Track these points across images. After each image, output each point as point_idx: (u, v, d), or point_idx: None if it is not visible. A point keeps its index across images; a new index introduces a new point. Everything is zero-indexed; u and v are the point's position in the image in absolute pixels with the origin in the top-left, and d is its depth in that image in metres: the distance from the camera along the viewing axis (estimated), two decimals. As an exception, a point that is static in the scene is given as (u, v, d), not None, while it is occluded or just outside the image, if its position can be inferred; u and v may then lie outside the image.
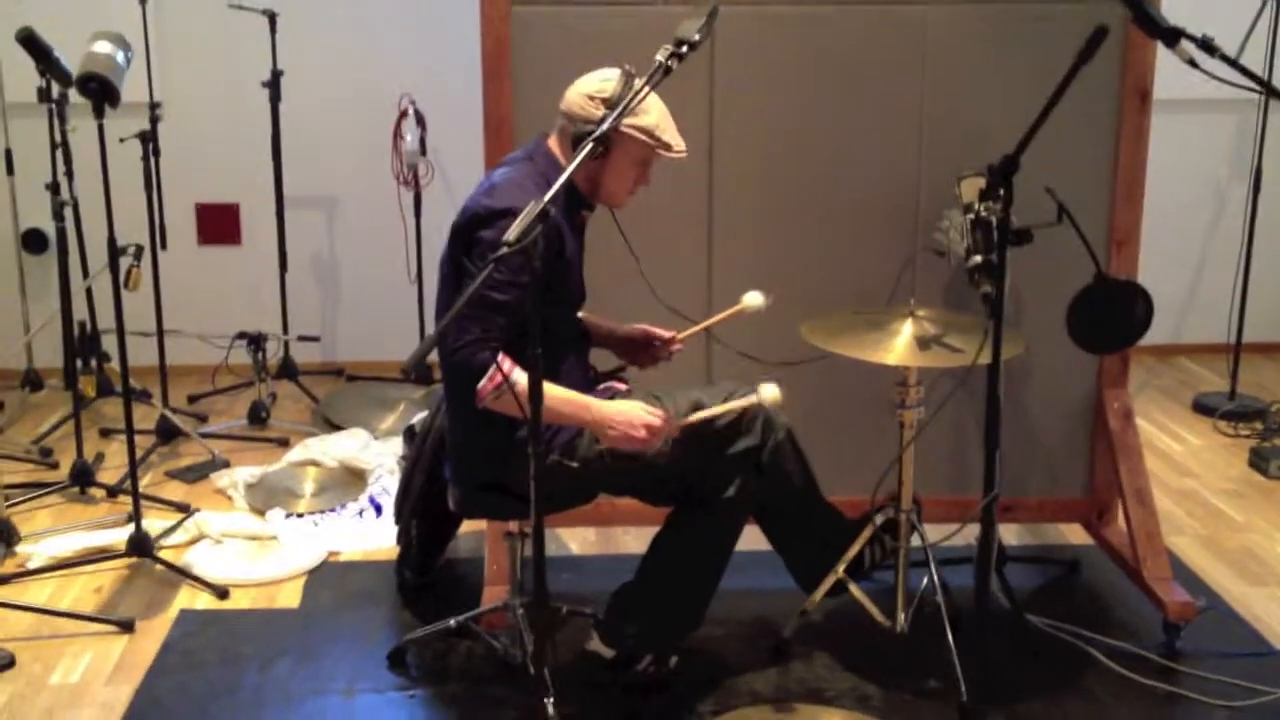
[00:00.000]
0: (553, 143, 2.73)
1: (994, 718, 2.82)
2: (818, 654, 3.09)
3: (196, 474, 4.05)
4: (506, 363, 2.52)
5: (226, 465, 4.11)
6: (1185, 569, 3.52)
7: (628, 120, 2.59)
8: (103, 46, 3.22)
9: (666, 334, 2.97)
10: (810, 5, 3.22)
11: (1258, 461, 4.25)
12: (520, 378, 2.50)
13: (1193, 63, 2.40)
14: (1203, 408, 4.77)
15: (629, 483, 2.87)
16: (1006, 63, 3.19)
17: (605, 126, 2.35)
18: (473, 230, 2.61)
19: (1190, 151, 5.20)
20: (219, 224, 4.95)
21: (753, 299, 2.91)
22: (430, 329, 4.63)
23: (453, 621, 3.03)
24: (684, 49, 2.42)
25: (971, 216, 2.40)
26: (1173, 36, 2.43)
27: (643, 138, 2.64)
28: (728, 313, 2.94)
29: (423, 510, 3.25)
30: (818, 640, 3.12)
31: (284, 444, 4.31)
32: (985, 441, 2.30)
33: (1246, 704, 2.88)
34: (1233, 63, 2.41)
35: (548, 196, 2.17)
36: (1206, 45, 2.41)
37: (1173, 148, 5.01)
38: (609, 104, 2.59)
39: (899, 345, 2.83)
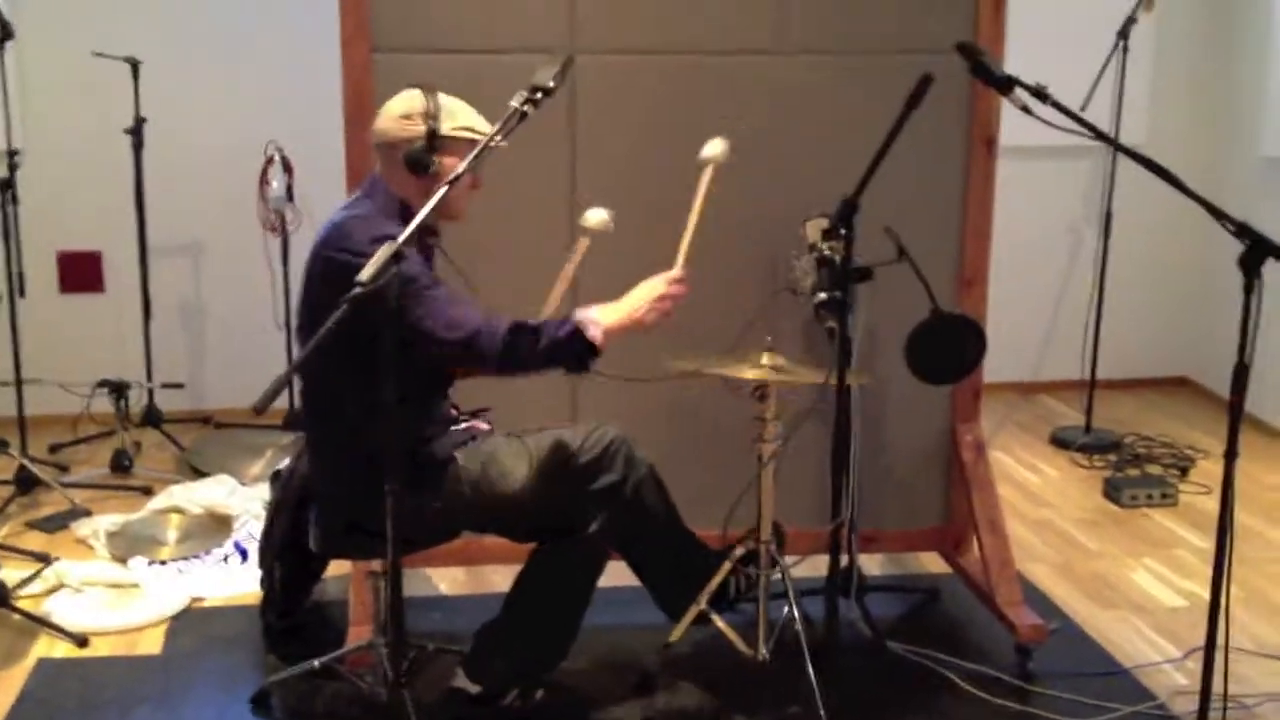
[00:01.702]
0: (385, 176, 2.75)
1: (854, 741, 2.89)
2: (682, 684, 3.12)
3: (57, 524, 3.96)
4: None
5: (88, 514, 4.03)
6: (1040, 594, 3.64)
7: (446, 127, 2.66)
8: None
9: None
10: (666, 55, 3.30)
11: (1111, 492, 4.41)
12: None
13: (1027, 109, 2.53)
14: (1059, 441, 4.94)
15: (490, 521, 2.89)
16: (856, 110, 3.29)
17: (488, 140, 2.45)
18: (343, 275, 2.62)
19: (1046, 195, 5.41)
20: (81, 272, 4.88)
21: (597, 215, 2.90)
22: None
23: (317, 663, 3.01)
24: (539, 95, 2.49)
25: (816, 256, 2.48)
26: (1007, 84, 2.56)
27: (466, 134, 2.68)
28: (577, 255, 2.92)
29: (286, 553, 3.22)
30: (682, 672, 3.16)
31: (148, 492, 4.23)
32: (832, 468, 2.38)
33: (1095, 721, 3.00)
34: (1064, 109, 2.55)
35: (403, 237, 2.21)
36: (1039, 93, 2.54)
37: (1030, 192, 5.22)
38: (426, 116, 2.66)
39: (756, 368, 2.91)
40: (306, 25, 4.79)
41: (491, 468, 2.80)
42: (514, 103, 2.48)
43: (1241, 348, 2.39)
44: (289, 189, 4.56)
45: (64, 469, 4.43)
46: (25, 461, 4.18)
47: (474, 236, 2.98)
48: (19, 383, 4.20)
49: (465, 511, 2.80)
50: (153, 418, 4.71)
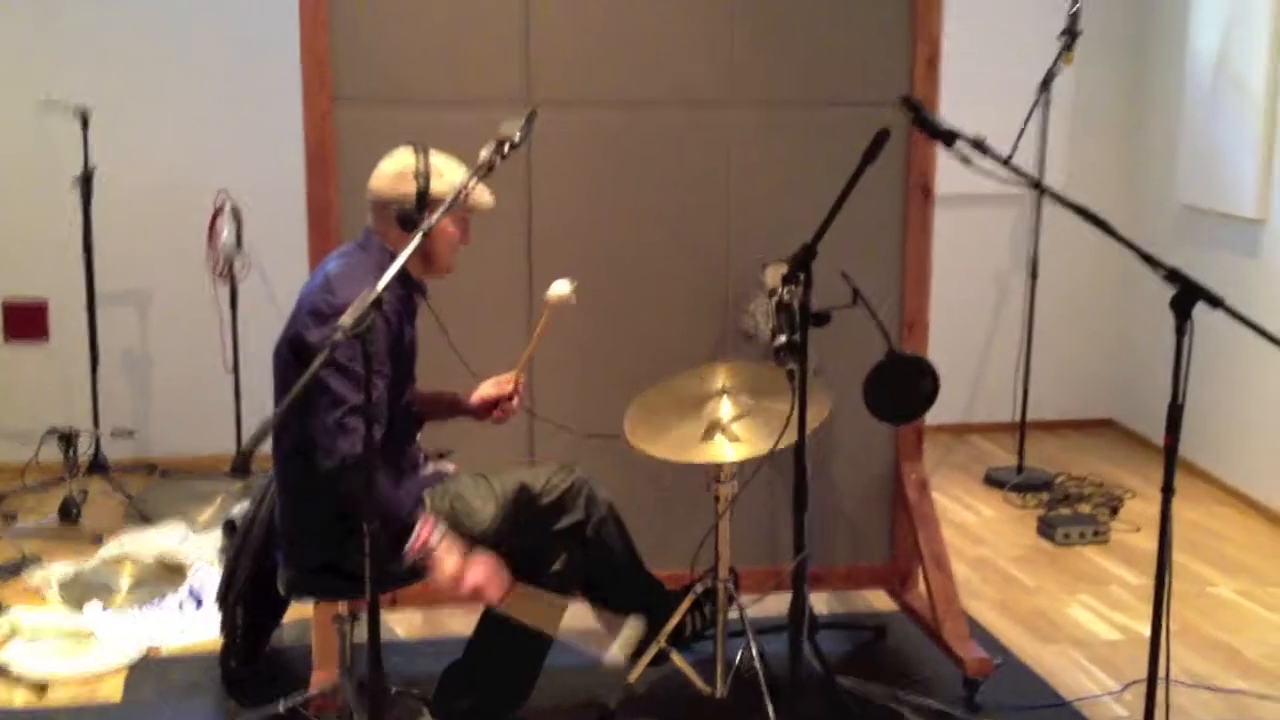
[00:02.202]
0: (379, 231, 2.83)
1: (810, 775, 2.97)
2: (643, 722, 3.20)
3: (8, 572, 3.95)
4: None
5: (39, 562, 4.01)
6: (982, 630, 3.76)
7: (436, 187, 2.72)
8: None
9: (508, 386, 3.06)
10: (624, 109, 3.42)
11: (1045, 529, 4.56)
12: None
13: (966, 160, 2.66)
14: (993, 481, 5.09)
15: (458, 560, 2.95)
16: (804, 161, 3.43)
17: (459, 190, 2.55)
18: (318, 325, 2.68)
19: (975, 243, 5.58)
20: (26, 321, 4.87)
21: (558, 289, 2.99)
22: (253, 417, 4.66)
23: (281, 707, 3.04)
24: (506, 147, 2.59)
25: (776, 300, 2.60)
26: (949, 138, 2.69)
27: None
28: (542, 321, 3.00)
29: (248, 598, 3.26)
30: (642, 709, 3.23)
31: (97, 540, 4.23)
32: (794, 506, 2.47)
33: (1039, 751, 3.11)
34: (1003, 161, 2.69)
35: (381, 284, 2.27)
36: (979, 145, 2.67)
37: (960, 240, 5.37)
38: (418, 176, 2.73)
39: (713, 443, 3.00)
40: (257, 76, 4.87)
41: (459, 506, 2.86)
42: (483, 154, 2.58)
43: (1175, 388, 2.52)
44: (238, 236, 4.60)
45: (11, 517, 4.41)
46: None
47: (436, 283, 3.06)
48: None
49: (432, 553, 2.85)
50: (100, 466, 4.70)
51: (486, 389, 3.05)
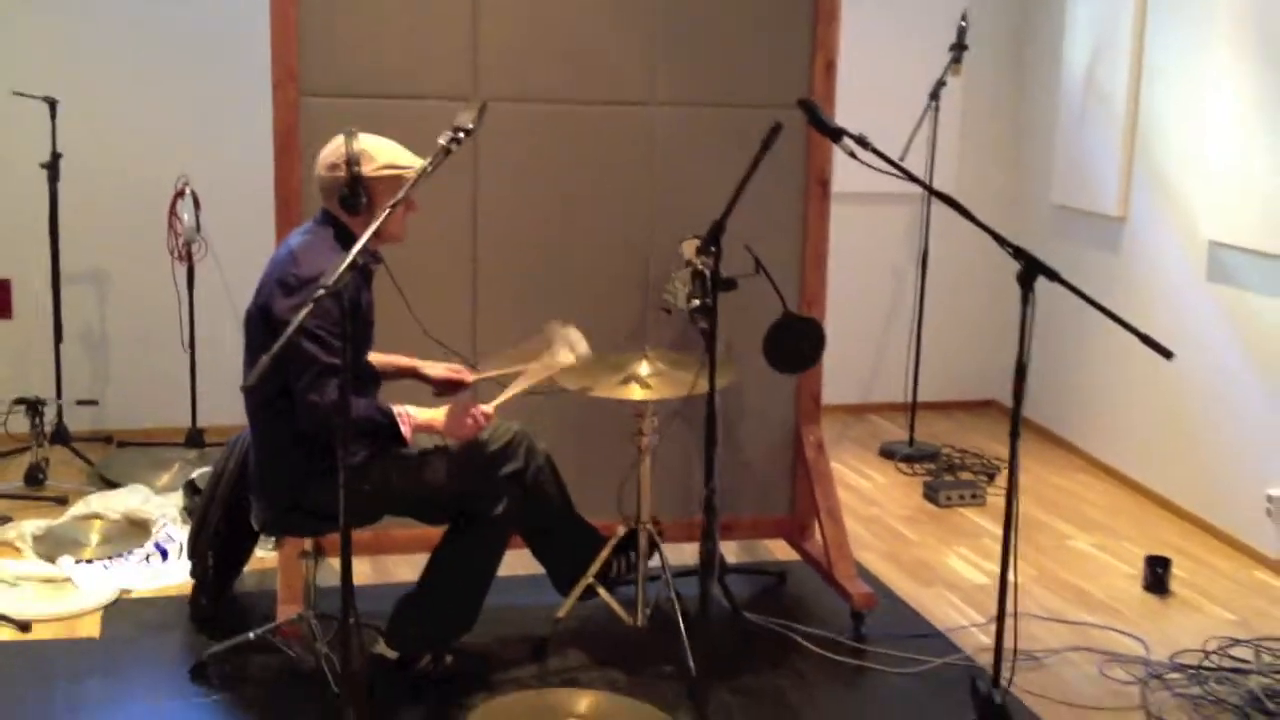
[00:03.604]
0: (331, 209, 3.22)
1: (717, 691, 3.40)
2: (572, 650, 3.62)
3: (-19, 529, 4.27)
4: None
5: (9, 520, 4.33)
6: (870, 575, 4.24)
7: (368, 169, 3.11)
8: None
9: (467, 378, 3.48)
10: (558, 104, 3.85)
11: (930, 493, 5.07)
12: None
13: (853, 154, 3.13)
14: (886, 453, 5.60)
15: (411, 505, 3.35)
16: (717, 154, 3.85)
17: (420, 173, 2.92)
18: (285, 295, 3.07)
19: (874, 238, 6.07)
20: (-11, 298, 5.18)
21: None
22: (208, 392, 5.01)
23: (252, 634, 3.43)
24: (461, 135, 2.99)
25: (691, 269, 3.05)
26: (837, 134, 3.16)
27: (389, 173, 3.14)
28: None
29: (218, 541, 3.63)
30: (572, 640, 3.66)
31: (63, 502, 4.54)
32: (705, 445, 2.93)
33: (914, 670, 3.59)
34: (882, 155, 3.14)
35: (358, 245, 2.67)
36: (862, 141, 3.14)
37: (859, 234, 5.87)
38: (348, 163, 3.11)
39: (636, 385, 3.45)
40: (216, 70, 5.23)
41: (411, 452, 3.27)
42: (441, 141, 2.97)
43: (1020, 349, 2.99)
44: (196, 220, 4.94)
45: (-23, 484, 4.73)
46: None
47: (394, 250, 3.44)
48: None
49: (388, 493, 3.24)
50: (62, 436, 5.01)
51: (444, 372, 3.47)
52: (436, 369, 3.48)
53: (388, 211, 2.85)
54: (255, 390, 3.14)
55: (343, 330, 2.73)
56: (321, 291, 2.59)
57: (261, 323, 3.13)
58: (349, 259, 2.64)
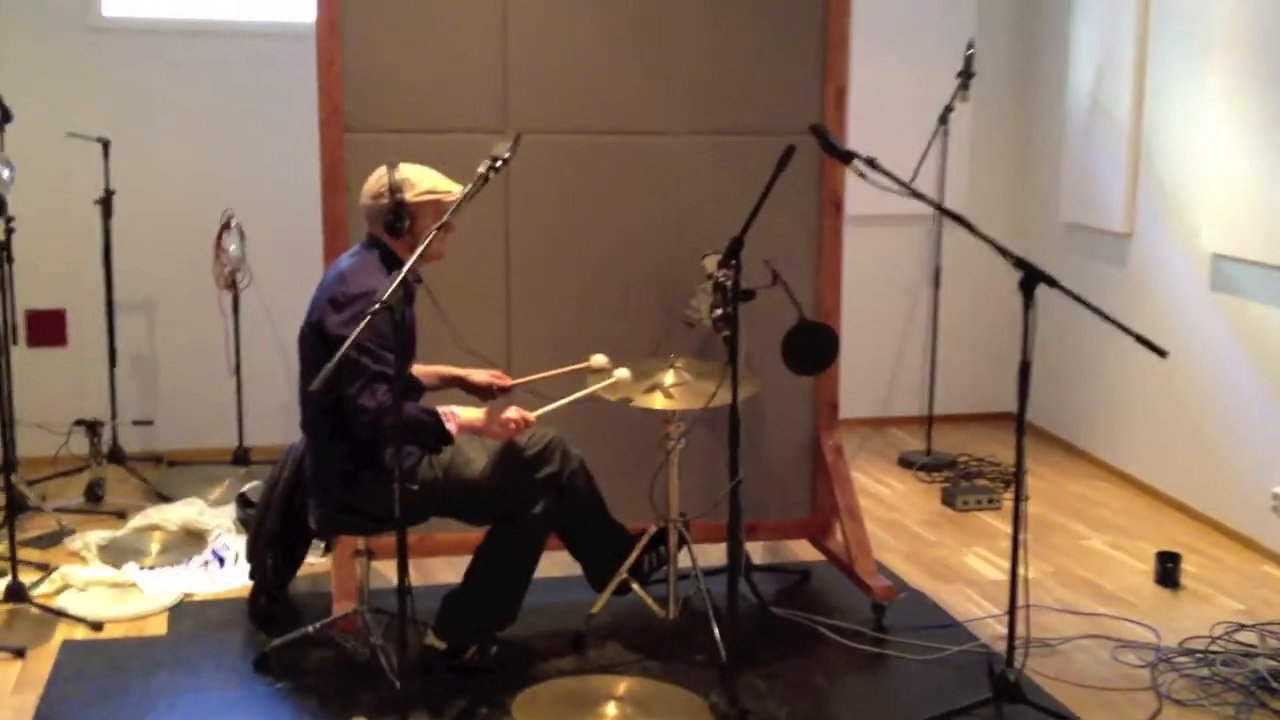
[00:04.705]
0: (376, 234, 3.47)
1: (747, 676, 3.62)
2: (608, 642, 3.84)
3: (50, 540, 4.52)
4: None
5: (73, 532, 4.58)
6: (890, 572, 4.45)
7: (409, 195, 3.37)
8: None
9: (505, 382, 3.73)
10: (582, 134, 4.11)
11: (947, 499, 5.28)
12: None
13: (863, 175, 3.37)
14: (905, 462, 5.81)
15: (455, 505, 3.58)
16: (733, 180, 4.09)
17: (461, 199, 3.20)
18: (336, 311, 3.32)
19: (888, 258, 6.28)
20: (46, 327, 5.45)
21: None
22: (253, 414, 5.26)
23: (311, 628, 3.66)
24: (498, 163, 3.25)
25: (713, 282, 3.29)
26: (847, 156, 3.39)
27: (429, 197, 3.40)
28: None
29: (276, 544, 3.87)
30: (608, 633, 3.88)
31: (121, 516, 4.80)
32: (730, 447, 3.15)
33: (934, 658, 3.80)
34: (891, 176, 3.36)
35: (408, 265, 2.94)
36: (871, 163, 3.37)
37: (874, 255, 6.10)
38: (392, 191, 3.36)
39: (661, 394, 3.68)
40: (257, 110, 5.53)
41: (457, 457, 3.51)
42: (480, 169, 3.23)
43: (1024, 348, 3.23)
44: (241, 250, 5.21)
45: (42, 499, 4.97)
46: (22, 487, 4.69)
47: (432, 271, 3.69)
48: (10, 423, 4.70)
49: (435, 494, 3.47)
50: (117, 456, 5.28)
51: (487, 377, 3.71)
52: (479, 375, 3.72)
53: (432, 233, 3.12)
54: (316, 397, 3.37)
55: (393, 342, 2.99)
56: (377, 306, 2.86)
57: (315, 339, 3.38)
58: (401, 275, 2.91)
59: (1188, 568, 4.51)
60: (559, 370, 3.66)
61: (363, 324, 2.85)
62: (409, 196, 3.39)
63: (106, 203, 5.16)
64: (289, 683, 3.57)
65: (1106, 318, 3.27)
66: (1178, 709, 3.53)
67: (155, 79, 5.49)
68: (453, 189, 3.44)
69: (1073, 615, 4.16)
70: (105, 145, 5.15)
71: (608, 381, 3.62)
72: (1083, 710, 3.49)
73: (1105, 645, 3.93)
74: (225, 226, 5.21)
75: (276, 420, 5.54)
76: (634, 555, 3.81)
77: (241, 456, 5.38)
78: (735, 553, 3.30)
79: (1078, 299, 3.19)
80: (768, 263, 3.48)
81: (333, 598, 3.87)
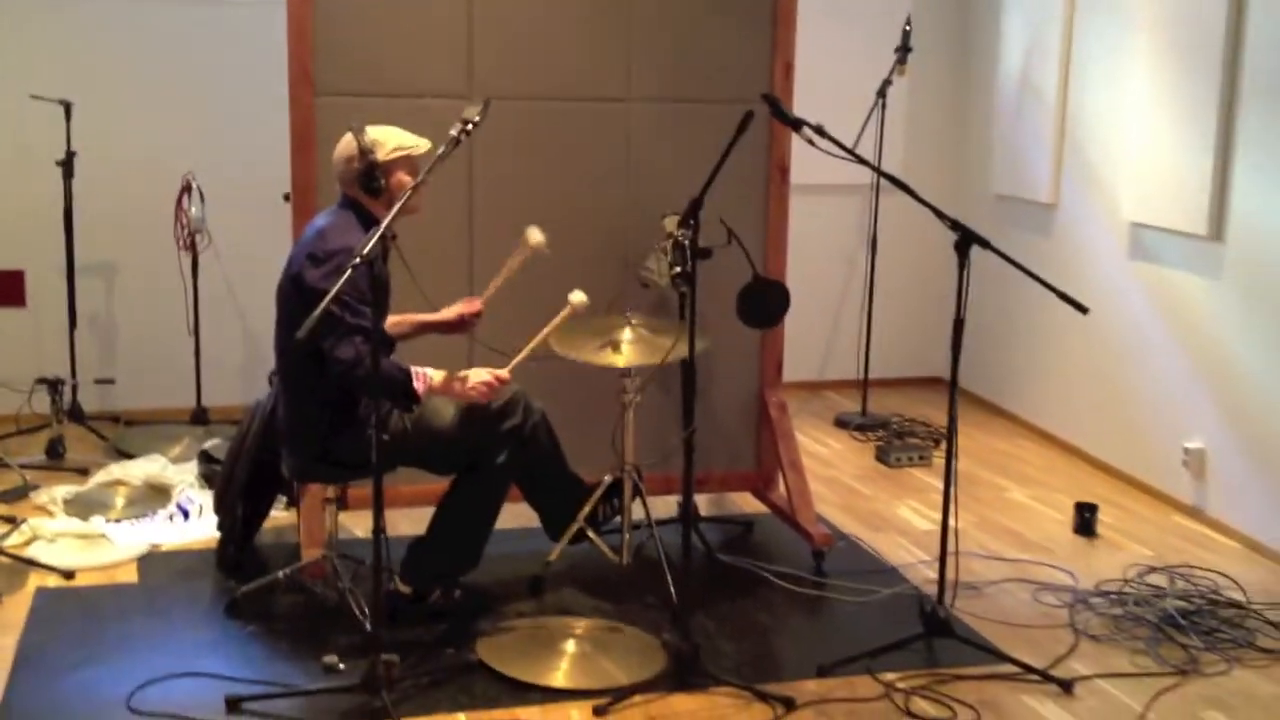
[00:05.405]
0: (351, 195, 3.63)
1: (696, 617, 3.84)
2: (565, 587, 4.05)
3: (16, 494, 4.63)
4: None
5: (37, 487, 4.69)
6: (828, 523, 4.69)
7: (380, 155, 3.51)
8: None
9: (477, 305, 3.88)
10: (544, 100, 4.30)
11: (881, 456, 5.54)
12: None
13: (811, 142, 3.58)
14: (841, 423, 6.07)
15: (423, 455, 3.74)
16: (687, 146, 4.29)
17: (437, 158, 3.34)
18: (314, 266, 3.47)
19: (827, 226, 6.48)
20: (4, 288, 5.52)
21: (534, 235, 3.81)
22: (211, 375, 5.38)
23: (281, 573, 3.83)
24: (469, 126, 3.42)
25: (672, 241, 3.50)
26: (797, 124, 3.60)
27: (399, 154, 3.55)
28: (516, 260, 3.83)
29: (246, 494, 4.03)
30: (565, 577, 4.09)
31: (83, 473, 4.91)
32: (683, 392, 3.36)
33: (868, 599, 4.05)
34: (836, 142, 3.58)
35: (387, 219, 3.11)
36: (819, 130, 3.58)
37: (814, 223, 6.28)
38: (362, 154, 3.49)
39: (607, 352, 3.88)
40: (220, 72, 5.62)
41: (426, 409, 3.68)
42: (451, 132, 3.39)
43: (958, 307, 3.47)
44: (201, 213, 5.32)
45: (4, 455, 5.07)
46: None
47: (401, 229, 3.82)
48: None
49: (404, 444, 3.64)
50: (77, 414, 5.38)
51: (459, 307, 3.88)
52: (448, 311, 3.89)
53: (409, 191, 3.29)
54: (300, 348, 3.46)
55: (370, 297, 3.16)
56: (357, 260, 3.03)
57: (294, 292, 3.54)
58: (380, 230, 3.08)
59: (1104, 518, 4.81)
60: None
61: (344, 277, 3.02)
62: (380, 156, 3.53)
63: (68, 164, 5.23)
64: (260, 626, 3.73)
65: (1032, 275, 3.51)
66: (1093, 644, 3.81)
67: (118, 42, 5.56)
68: (419, 143, 3.59)
69: (997, 561, 4.44)
70: (67, 107, 5.22)
71: (565, 312, 3.76)
72: (1007, 645, 3.75)
73: (1027, 588, 4.21)
74: (185, 189, 5.30)
75: (234, 381, 5.68)
76: (589, 505, 4.01)
77: (200, 416, 5.50)
78: (688, 494, 3.52)
79: (1008, 259, 3.44)
80: (724, 222, 3.68)
81: (301, 545, 4.03)
